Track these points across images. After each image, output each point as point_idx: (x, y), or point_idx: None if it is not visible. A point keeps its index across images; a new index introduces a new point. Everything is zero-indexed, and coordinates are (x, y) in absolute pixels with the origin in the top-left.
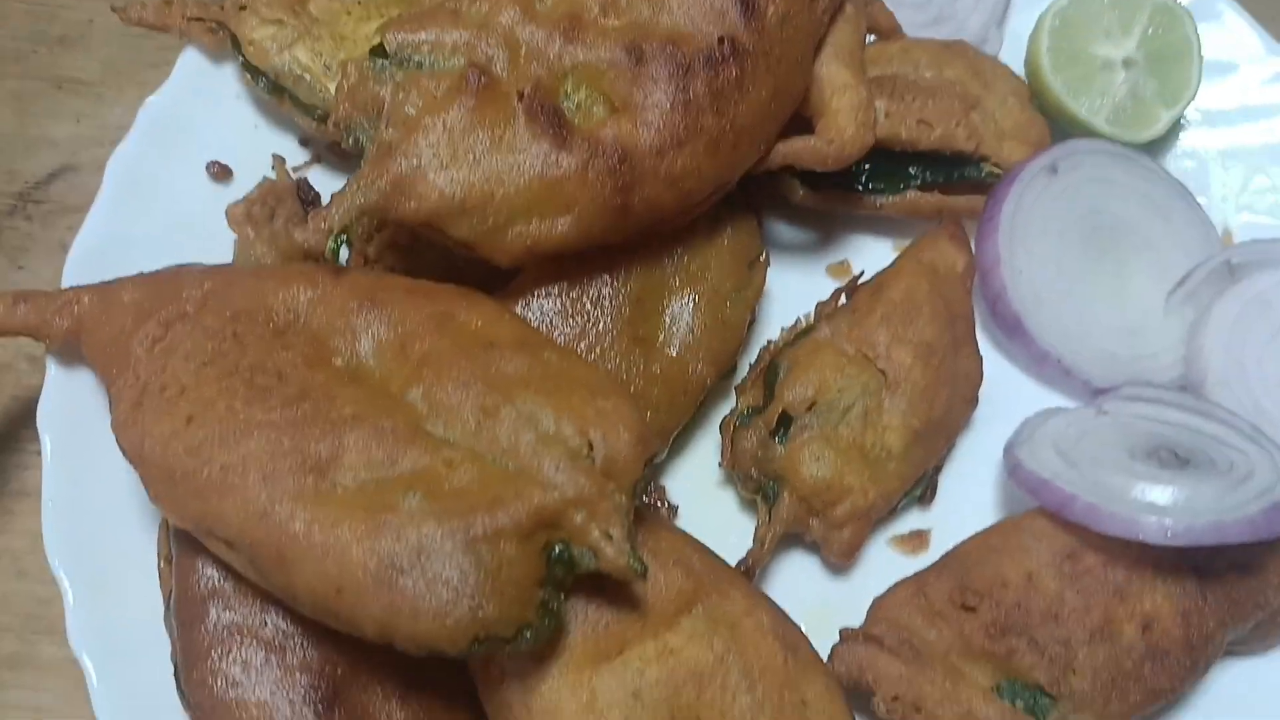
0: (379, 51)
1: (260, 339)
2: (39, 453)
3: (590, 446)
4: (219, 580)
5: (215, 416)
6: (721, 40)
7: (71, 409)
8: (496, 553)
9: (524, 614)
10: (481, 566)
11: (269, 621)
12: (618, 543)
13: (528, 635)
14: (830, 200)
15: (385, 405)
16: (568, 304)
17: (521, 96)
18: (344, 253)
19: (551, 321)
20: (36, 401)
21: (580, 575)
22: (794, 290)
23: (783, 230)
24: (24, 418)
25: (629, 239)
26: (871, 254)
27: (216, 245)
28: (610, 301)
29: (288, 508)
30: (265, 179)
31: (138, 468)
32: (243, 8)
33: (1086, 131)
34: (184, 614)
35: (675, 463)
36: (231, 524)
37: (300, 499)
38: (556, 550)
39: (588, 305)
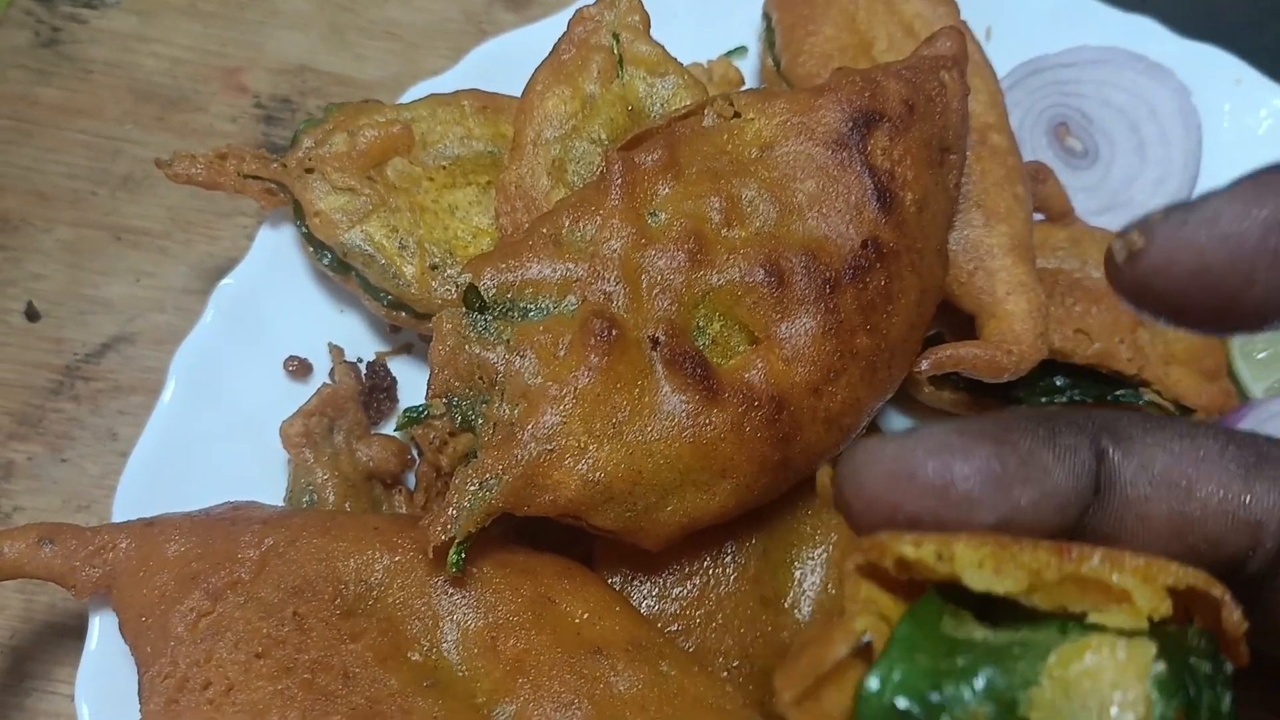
0: (472, 299)
1: (325, 624)
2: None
3: None
4: None
5: None
6: (865, 244)
7: (118, 677)
8: None
9: None
10: None
11: None
12: None
13: None
14: (961, 404)
15: None
16: (684, 561)
17: (656, 344)
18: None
19: (665, 584)
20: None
21: None
22: None
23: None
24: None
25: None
26: None
27: None
28: (733, 557)
29: None
30: (324, 385)
31: None
32: (309, 170)
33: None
34: None
35: None
36: None
37: None
38: None
39: (707, 562)
